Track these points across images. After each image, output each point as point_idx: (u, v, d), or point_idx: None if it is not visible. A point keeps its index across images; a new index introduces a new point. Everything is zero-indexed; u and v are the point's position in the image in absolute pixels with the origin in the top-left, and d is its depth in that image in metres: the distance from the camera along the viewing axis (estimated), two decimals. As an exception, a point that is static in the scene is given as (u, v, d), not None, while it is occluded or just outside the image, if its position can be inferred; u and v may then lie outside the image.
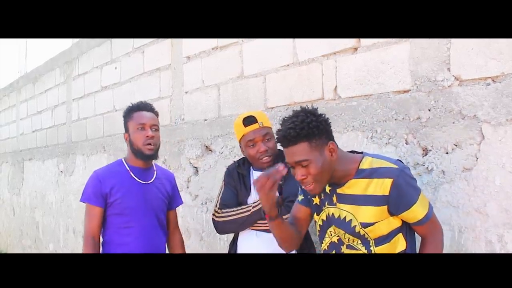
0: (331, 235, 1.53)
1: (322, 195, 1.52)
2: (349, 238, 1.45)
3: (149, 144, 2.00)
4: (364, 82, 1.93)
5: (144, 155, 2.01)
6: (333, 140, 1.42)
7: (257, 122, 1.92)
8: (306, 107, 1.43)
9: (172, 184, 2.20)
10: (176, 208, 2.25)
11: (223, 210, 1.95)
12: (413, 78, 1.77)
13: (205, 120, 2.91)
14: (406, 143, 1.80)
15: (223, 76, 2.74)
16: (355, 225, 1.41)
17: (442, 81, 1.68)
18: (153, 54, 3.40)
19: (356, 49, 1.99)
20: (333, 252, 1.53)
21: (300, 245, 1.86)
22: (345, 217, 1.44)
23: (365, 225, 1.40)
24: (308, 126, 1.35)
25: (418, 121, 1.76)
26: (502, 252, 1.51)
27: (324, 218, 1.53)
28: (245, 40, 2.56)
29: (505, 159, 1.51)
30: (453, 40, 1.64)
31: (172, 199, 2.19)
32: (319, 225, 1.56)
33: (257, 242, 1.91)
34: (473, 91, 1.59)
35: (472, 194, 1.59)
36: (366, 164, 1.42)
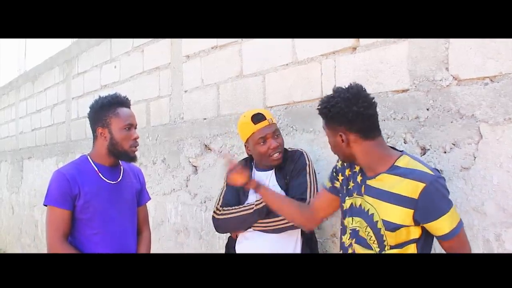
0: (349, 224, 1.53)
1: (353, 183, 1.53)
2: (369, 232, 1.43)
3: (135, 146, 1.87)
4: (363, 82, 1.92)
5: (129, 157, 1.86)
6: (354, 131, 1.40)
7: (266, 119, 1.93)
8: (351, 91, 1.42)
9: (140, 180, 2.04)
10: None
11: (224, 208, 1.95)
12: (411, 78, 1.78)
13: (205, 119, 2.91)
14: (404, 142, 1.81)
15: (222, 75, 2.75)
16: (377, 221, 1.39)
17: (440, 80, 1.69)
18: (153, 53, 3.41)
19: (355, 48, 1.99)
20: (347, 244, 1.54)
21: (306, 244, 1.90)
22: (368, 209, 1.43)
23: (387, 225, 1.36)
24: (326, 107, 1.44)
25: (417, 120, 1.76)
26: (500, 250, 1.52)
27: (347, 207, 1.53)
28: (244, 39, 2.57)
29: (503, 158, 1.52)
30: (451, 40, 1.65)
31: (140, 196, 2.02)
32: (342, 211, 1.58)
33: (258, 243, 1.90)
34: (471, 90, 1.60)
35: (470, 193, 1.60)
36: (402, 162, 1.39)
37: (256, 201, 1.89)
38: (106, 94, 1.90)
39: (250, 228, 1.90)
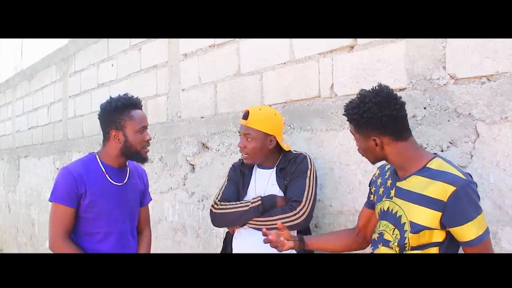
0: (377, 229, 1.52)
1: (383, 188, 1.52)
2: (397, 234, 1.42)
3: (147, 147, 1.89)
4: (361, 80, 1.94)
5: (142, 158, 1.88)
6: (388, 134, 1.39)
7: (247, 119, 1.93)
8: (381, 94, 1.39)
9: (144, 181, 2.06)
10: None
11: (222, 203, 1.97)
12: (409, 77, 1.78)
13: (202, 117, 2.91)
14: (401, 141, 1.81)
15: (220, 74, 2.75)
16: (405, 222, 1.37)
17: (437, 79, 1.69)
18: (150, 52, 3.40)
19: (352, 47, 2.00)
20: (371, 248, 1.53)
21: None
22: (396, 211, 1.42)
23: (413, 227, 1.34)
24: (357, 113, 1.40)
25: (414, 119, 1.77)
26: (496, 248, 1.53)
27: (378, 213, 1.53)
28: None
29: (499, 157, 1.52)
30: (448, 38, 1.65)
31: (143, 196, 2.05)
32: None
33: (252, 240, 1.90)
34: (468, 89, 1.60)
35: (467, 191, 1.60)
36: (435, 164, 1.37)
37: (252, 198, 1.90)
38: (118, 96, 1.88)
39: (246, 225, 1.92)
